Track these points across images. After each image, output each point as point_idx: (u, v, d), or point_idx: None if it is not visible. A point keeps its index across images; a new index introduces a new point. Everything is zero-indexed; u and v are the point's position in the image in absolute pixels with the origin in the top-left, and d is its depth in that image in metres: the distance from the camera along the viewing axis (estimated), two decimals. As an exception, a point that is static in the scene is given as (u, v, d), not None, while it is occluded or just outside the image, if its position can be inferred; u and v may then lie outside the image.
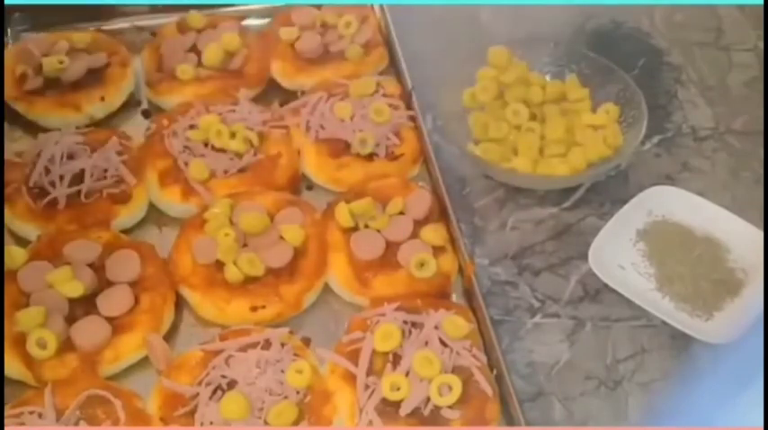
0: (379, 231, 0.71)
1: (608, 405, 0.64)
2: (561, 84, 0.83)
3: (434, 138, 0.80)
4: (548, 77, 0.84)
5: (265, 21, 0.93)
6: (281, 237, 0.70)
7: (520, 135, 0.79)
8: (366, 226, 0.72)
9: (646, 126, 0.77)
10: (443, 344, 0.64)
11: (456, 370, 0.62)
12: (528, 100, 0.81)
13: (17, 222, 0.73)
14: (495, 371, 0.64)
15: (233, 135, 0.77)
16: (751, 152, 0.82)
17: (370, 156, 0.78)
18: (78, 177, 0.74)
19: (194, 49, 0.87)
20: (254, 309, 0.68)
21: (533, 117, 0.80)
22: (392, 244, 0.71)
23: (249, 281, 0.68)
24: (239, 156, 0.77)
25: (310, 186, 0.79)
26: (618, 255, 0.72)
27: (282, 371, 0.62)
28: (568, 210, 0.77)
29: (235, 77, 0.85)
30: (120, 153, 0.77)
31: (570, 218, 0.77)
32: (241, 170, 0.76)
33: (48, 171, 0.74)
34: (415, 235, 0.71)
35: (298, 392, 0.62)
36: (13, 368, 0.64)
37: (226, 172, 0.76)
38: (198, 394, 0.62)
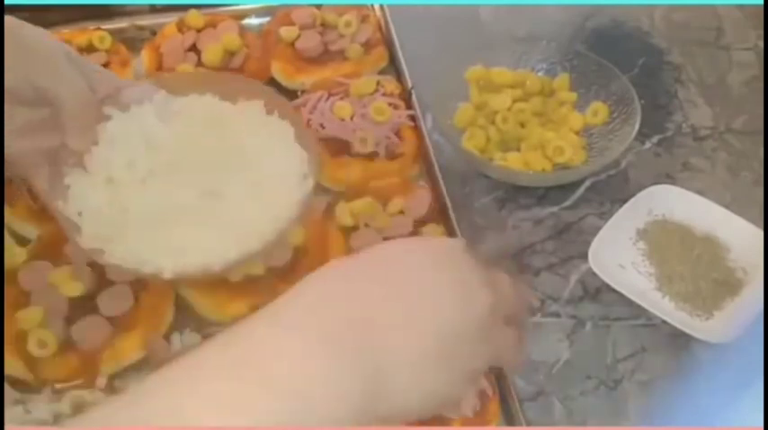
0: (379, 231, 0.71)
1: (608, 404, 0.64)
2: (548, 80, 0.83)
3: (434, 138, 0.80)
4: (540, 74, 0.84)
5: (265, 20, 0.93)
6: (282, 237, 0.70)
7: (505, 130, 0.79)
8: (366, 225, 0.72)
9: (639, 122, 0.76)
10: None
11: (456, 369, 0.62)
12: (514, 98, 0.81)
13: (17, 222, 0.73)
14: (495, 371, 0.64)
15: (233, 134, 0.77)
16: (751, 152, 0.82)
17: (371, 156, 0.78)
18: (78, 177, 0.74)
19: (194, 48, 0.87)
20: (254, 308, 0.67)
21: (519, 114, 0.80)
22: (392, 243, 0.71)
23: (249, 280, 0.68)
24: (239, 155, 0.77)
25: (310, 186, 0.79)
26: (618, 254, 0.72)
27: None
28: (568, 210, 0.77)
29: (235, 77, 0.85)
30: (120, 152, 0.77)
31: (570, 217, 0.77)
32: (241, 169, 0.76)
33: (48, 171, 0.74)
34: (415, 234, 0.71)
35: (298, 392, 0.62)
36: (13, 367, 0.64)
37: (226, 171, 0.76)
38: (198, 394, 0.62)
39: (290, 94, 0.85)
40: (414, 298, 0.41)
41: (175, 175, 0.60)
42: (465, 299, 0.42)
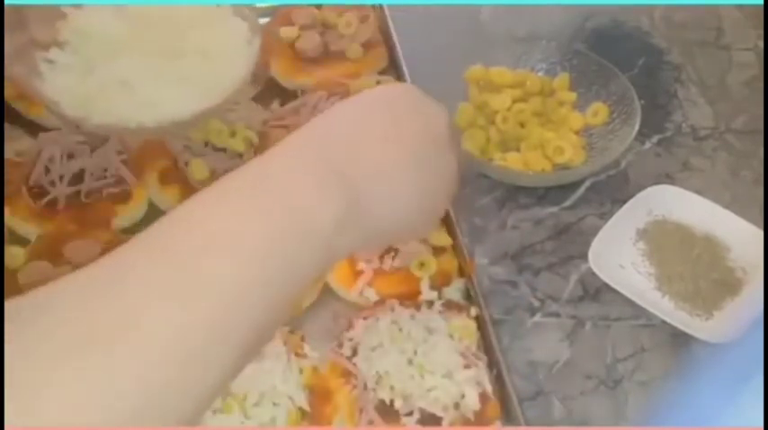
0: (378, 231, 0.71)
1: (608, 404, 0.64)
2: (548, 80, 0.83)
3: (434, 138, 0.79)
4: (540, 74, 0.84)
5: (265, 20, 0.93)
6: (282, 237, 0.70)
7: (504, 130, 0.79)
8: (366, 225, 0.72)
9: (639, 123, 0.77)
10: (443, 343, 0.64)
11: (456, 369, 0.62)
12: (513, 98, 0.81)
13: (17, 222, 0.73)
14: (494, 371, 0.64)
15: (233, 134, 0.77)
16: (751, 151, 0.82)
17: (370, 156, 0.78)
18: (78, 177, 0.74)
19: (194, 48, 0.87)
20: (253, 308, 0.68)
21: (518, 113, 0.80)
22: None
23: (249, 280, 0.68)
24: (239, 155, 0.77)
25: (310, 186, 0.79)
26: (618, 254, 0.72)
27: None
28: (568, 210, 0.77)
29: (234, 77, 0.85)
30: (120, 152, 0.77)
31: (570, 217, 0.77)
32: (241, 169, 0.76)
33: (48, 170, 0.74)
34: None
35: (298, 392, 0.62)
36: (14, 368, 0.64)
37: (226, 171, 0.76)
38: (198, 393, 0.62)
39: (290, 95, 0.85)
40: (388, 125, 0.49)
41: (139, 44, 0.64)
42: (427, 120, 0.52)
